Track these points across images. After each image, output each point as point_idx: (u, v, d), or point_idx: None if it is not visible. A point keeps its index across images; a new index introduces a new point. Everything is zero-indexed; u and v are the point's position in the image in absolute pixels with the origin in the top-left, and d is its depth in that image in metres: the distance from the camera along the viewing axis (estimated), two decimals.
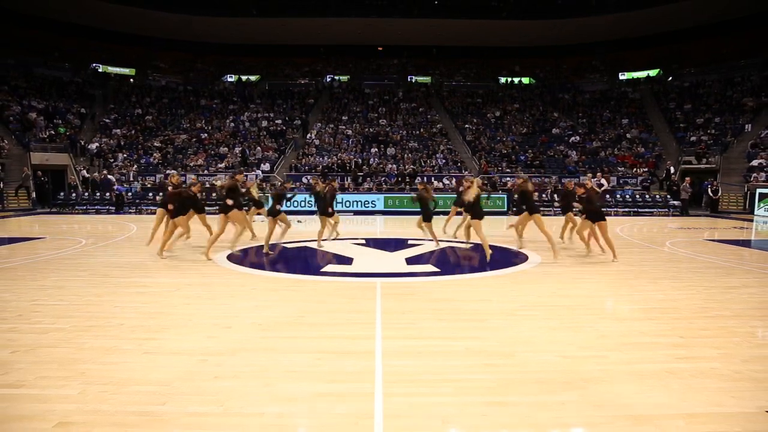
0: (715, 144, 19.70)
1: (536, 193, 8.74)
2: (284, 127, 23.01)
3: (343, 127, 23.25)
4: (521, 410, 2.33)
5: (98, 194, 17.17)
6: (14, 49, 23.62)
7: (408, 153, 20.81)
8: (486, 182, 18.16)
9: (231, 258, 6.75)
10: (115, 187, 17.02)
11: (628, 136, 21.89)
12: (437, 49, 29.90)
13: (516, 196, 7.84)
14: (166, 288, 4.95)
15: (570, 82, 27.95)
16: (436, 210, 8.31)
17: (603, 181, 17.42)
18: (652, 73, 26.75)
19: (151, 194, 17.29)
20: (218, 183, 8.09)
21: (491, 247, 7.98)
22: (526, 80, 28.58)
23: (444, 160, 20.25)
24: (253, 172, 18.80)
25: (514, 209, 8.13)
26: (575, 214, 8.08)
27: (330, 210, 8.06)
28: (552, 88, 27.28)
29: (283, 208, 7.66)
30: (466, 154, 21.26)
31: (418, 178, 18.26)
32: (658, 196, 17.69)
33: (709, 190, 16.87)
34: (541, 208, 17.40)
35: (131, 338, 3.34)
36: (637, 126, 22.57)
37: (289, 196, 8.26)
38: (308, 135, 22.22)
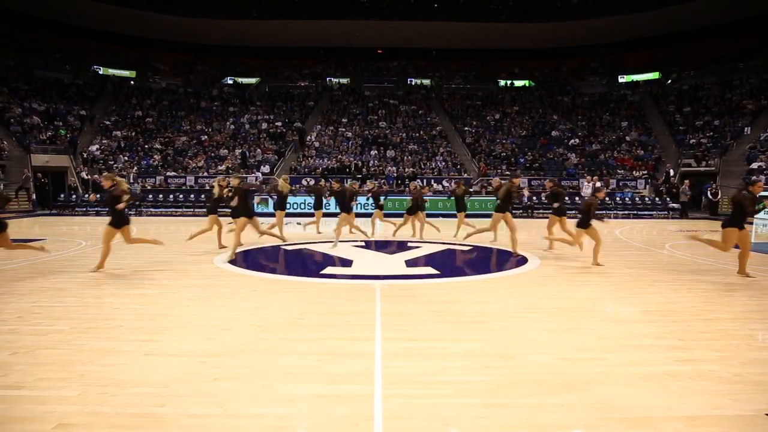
0: (714, 147, 19.75)
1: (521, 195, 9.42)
2: (284, 129, 23.05)
3: (343, 129, 23.29)
4: (521, 412, 2.33)
5: (98, 196, 17.17)
6: (15, 51, 23.68)
7: (408, 155, 20.84)
8: (486, 183, 18.20)
9: (231, 259, 6.75)
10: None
11: (627, 138, 21.94)
12: (437, 52, 29.99)
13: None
14: (165, 290, 4.95)
15: (569, 85, 28.02)
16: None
17: (587, 187, 17.55)
18: (651, 75, 26.84)
19: (151, 196, 17.31)
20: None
21: (493, 249, 8.00)
22: (525, 83, 28.67)
23: (443, 163, 20.28)
24: (253, 174, 18.83)
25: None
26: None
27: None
28: (551, 91, 27.35)
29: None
30: (466, 156, 21.29)
31: (418, 180, 18.28)
32: (657, 199, 17.72)
33: (709, 192, 16.90)
34: (540, 211, 17.49)
35: (131, 340, 3.33)
36: (636, 128, 22.62)
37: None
38: (308, 138, 22.25)
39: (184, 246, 7.87)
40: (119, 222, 5.88)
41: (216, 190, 7.82)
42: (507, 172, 19.56)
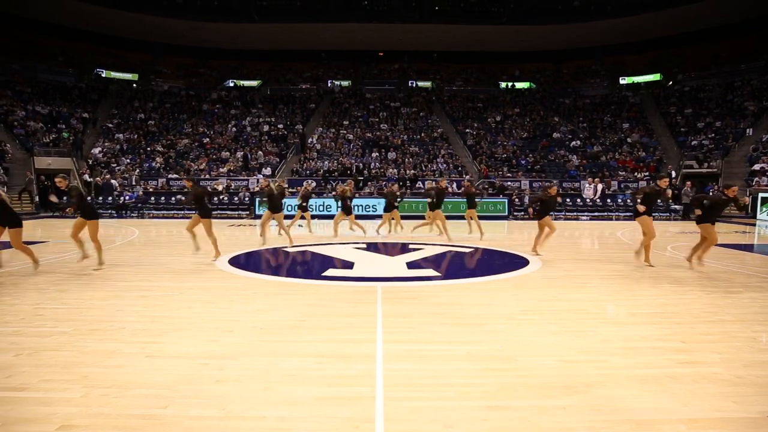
0: (716, 148, 19.71)
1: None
2: (286, 132, 23.11)
3: (345, 131, 23.33)
4: (522, 414, 2.33)
5: (100, 198, 17.25)
6: (19, 54, 23.86)
7: (409, 157, 20.86)
8: (488, 185, 18.20)
9: (232, 262, 6.77)
10: (127, 195, 17.20)
11: (629, 140, 21.91)
12: (438, 54, 30.07)
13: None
14: (167, 291, 4.96)
15: (570, 87, 28.03)
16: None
17: (588, 189, 17.62)
18: (653, 77, 26.83)
19: (153, 198, 17.38)
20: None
21: (494, 251, 8.01)
22: (526, 85, 28.70)
23: (445, 165, 20.29)
24: (255, 176, 18.88)
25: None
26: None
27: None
28: (552, 93, 27.36)
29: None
30: (467, 158, 21.30)
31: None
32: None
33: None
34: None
35: (133, 342, 3.35)
36: (637, 130, 22.60)
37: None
38: (309, 140, 22.32)
39: (185, 248, 7.89)
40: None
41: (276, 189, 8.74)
42: (509, 174, 19.58)
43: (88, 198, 17.24)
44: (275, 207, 8.16)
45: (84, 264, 6.38)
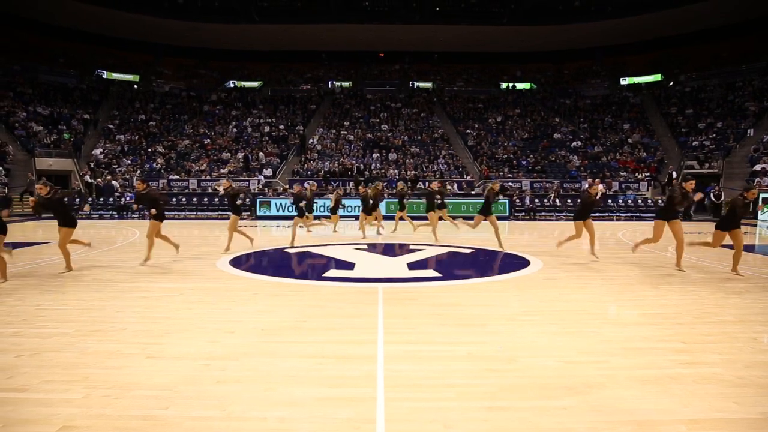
0: (717, 148, 19.70)
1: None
2: (286, 133, 23.14)
3: (345, 132, 23.36)
4: (523, 415, 2.33)
5: (101, 199, 17.28)
6: (20, 55, 23.93)
7: (410, 158, 20.87)
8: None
9: (233, 262, 6.78)
10: (128, 196, 17.23)
11: (629, 140, 21.91)
12: (438, 55, 30.09)
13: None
14: (168, 292, 4.97)
15: (571, 87, 28.03)
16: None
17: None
18: (653, 77, 26.82)
19: None
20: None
21: (495, 252, 8.00)
22: (527, 85, 28.71)
23: (445, 165, 20.29)
24: (255, 177, 18.90)
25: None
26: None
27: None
28: (553, 93, 27.36)
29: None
30: (468, 159, 21.31)
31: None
32: (660, 201, 17.66)
33: (712, 194, 16.84)
34: (543, 213, 17.45)
35: (134, 342, 3.35)
36: (638, 131, 22.59)
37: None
38: (310, 141, 22.34)
39: (186, 249, 7.91)
40: None
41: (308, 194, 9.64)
42: (509, 175, 19.58)
43: (89, 199, 17.29)
44: (237, 209, 7.88)
45: (83, 266, 6.39)
